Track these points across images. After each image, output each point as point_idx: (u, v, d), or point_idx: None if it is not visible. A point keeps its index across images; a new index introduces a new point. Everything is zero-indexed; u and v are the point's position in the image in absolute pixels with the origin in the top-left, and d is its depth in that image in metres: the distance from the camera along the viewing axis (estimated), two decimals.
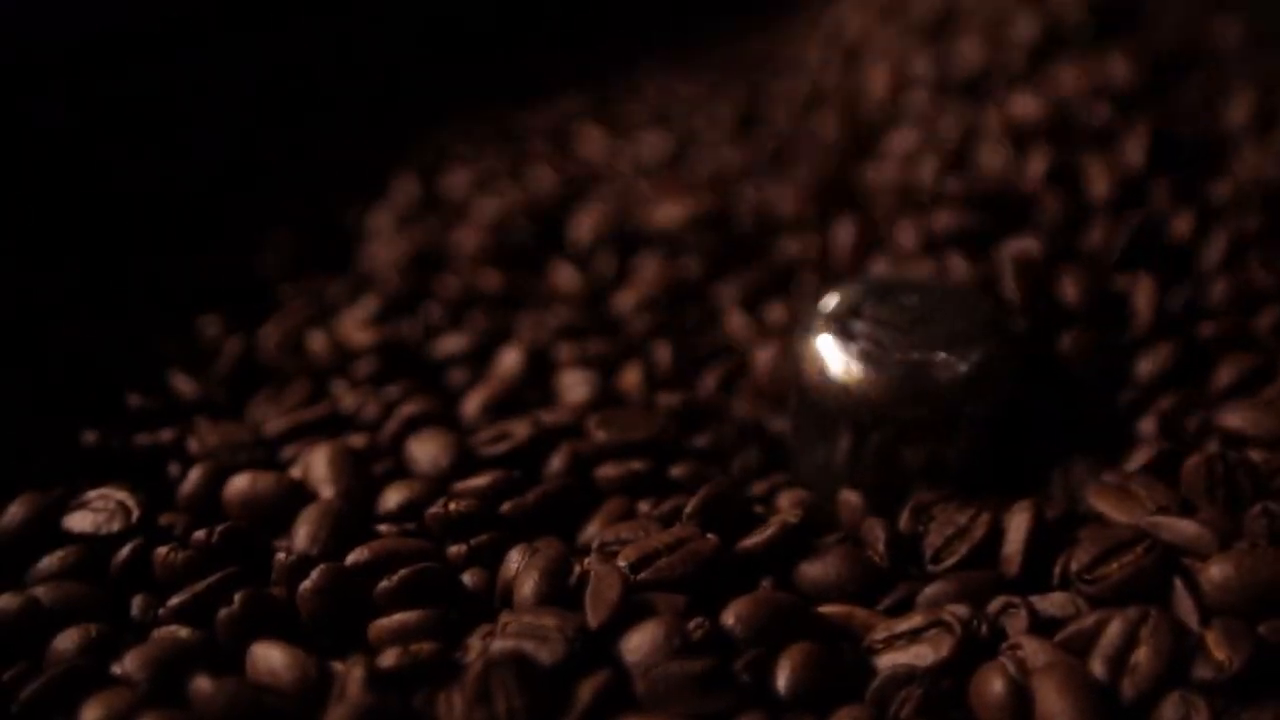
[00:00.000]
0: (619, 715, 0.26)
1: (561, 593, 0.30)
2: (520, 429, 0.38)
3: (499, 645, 0.27)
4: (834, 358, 0.37)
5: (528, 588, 0.30)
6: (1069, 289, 0.41)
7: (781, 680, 0.27)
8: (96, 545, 0.34)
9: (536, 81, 0.72)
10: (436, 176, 0.58)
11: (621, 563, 0.30)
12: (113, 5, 0.64)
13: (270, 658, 0.29)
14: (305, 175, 0.59)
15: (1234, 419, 0.36)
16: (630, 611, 0.28)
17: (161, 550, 0.33)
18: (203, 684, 0.27)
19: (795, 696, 0.27)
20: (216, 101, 0.67)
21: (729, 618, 0.28)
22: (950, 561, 0.32)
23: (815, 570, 0.32)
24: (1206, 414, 0.37)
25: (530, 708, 0.26)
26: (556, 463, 0.37)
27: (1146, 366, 0.40)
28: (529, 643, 0.27)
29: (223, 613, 0.31)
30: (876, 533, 0.33)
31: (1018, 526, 0.33)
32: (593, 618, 0.28)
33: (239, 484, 0.36)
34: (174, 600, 0.32)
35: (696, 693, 0.26)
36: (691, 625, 0.27)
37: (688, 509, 0.33)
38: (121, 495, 0.35)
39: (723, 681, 0.26)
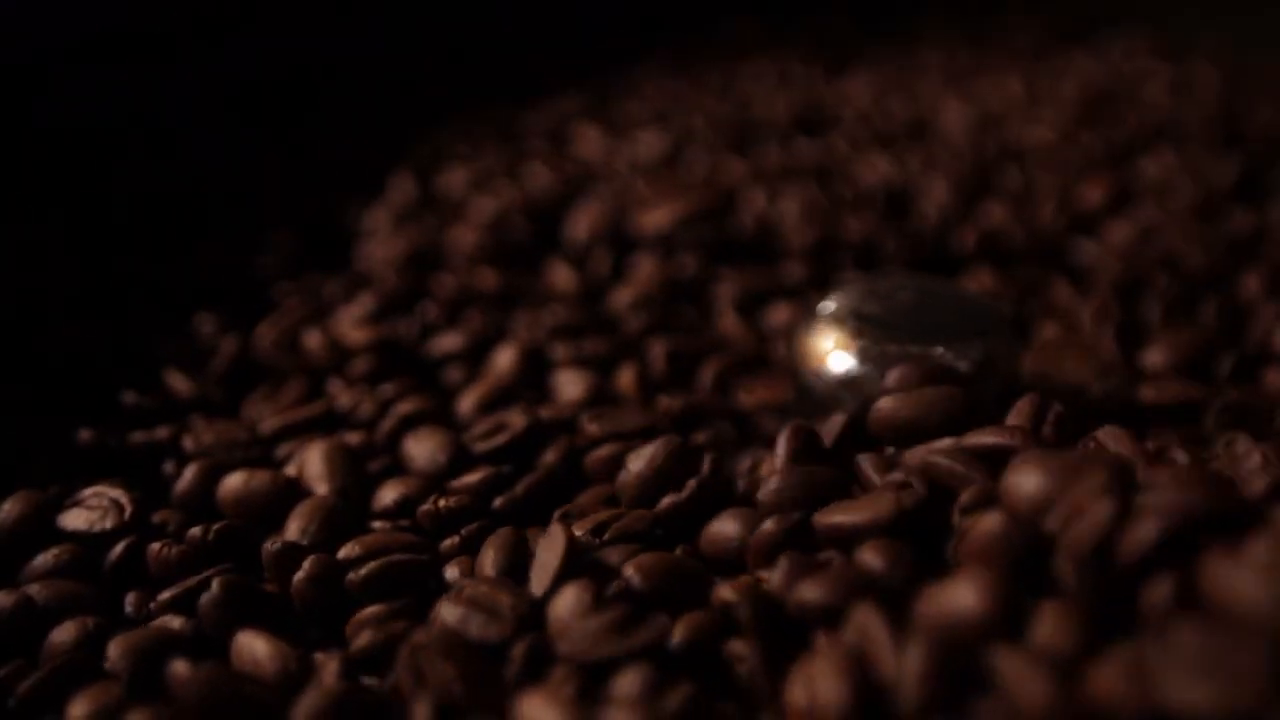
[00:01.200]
0: (550, 667, 0.27)
1: (520, 566, 0.31)
2: (516, 420, 0.38)
3: (446, 612, 0.28)
4: (834, 354, 0.37)
5: (488, 561, 0.31)
6: None
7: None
8: (90, 543, 0.34)
9: (536, 81, 0.73)
10: (433, 175, 0.58)
11: (578, 532, 0.32)
12: (113, 5, 0.64)
13: (254, 647, 0.29)
14: (305, 175, 0.59)
15: None
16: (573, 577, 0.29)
17: (155, 545, 0.33)
18: (180, 668, 0.28)
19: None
20: (216, 101, 0.67)
21: (629, 569, 0.30)
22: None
23: (712, 528, 0.33)
24: None
25: (467, 679, 0.27)
26: (551, 455, 0.37)
27: None
28: (480, 616, 0.28)
29: (204, 598, 0.31)
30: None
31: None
32: (536, 587, 0.29)
33: (233, 482, 0.36)
34: (165, 594, 0.32)
35: (614, 637, 0.27)
36: (612, 585, 0.29)
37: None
38: (116, 493, 0.35)
39: (636, 624, 0.27)
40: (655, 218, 0.51)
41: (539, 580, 0.29)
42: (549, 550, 0.30)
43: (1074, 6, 0.85)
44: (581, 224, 0.51)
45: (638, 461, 0.35)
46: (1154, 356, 0.43)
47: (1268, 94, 0.68)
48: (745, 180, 0.56)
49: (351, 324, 0.45)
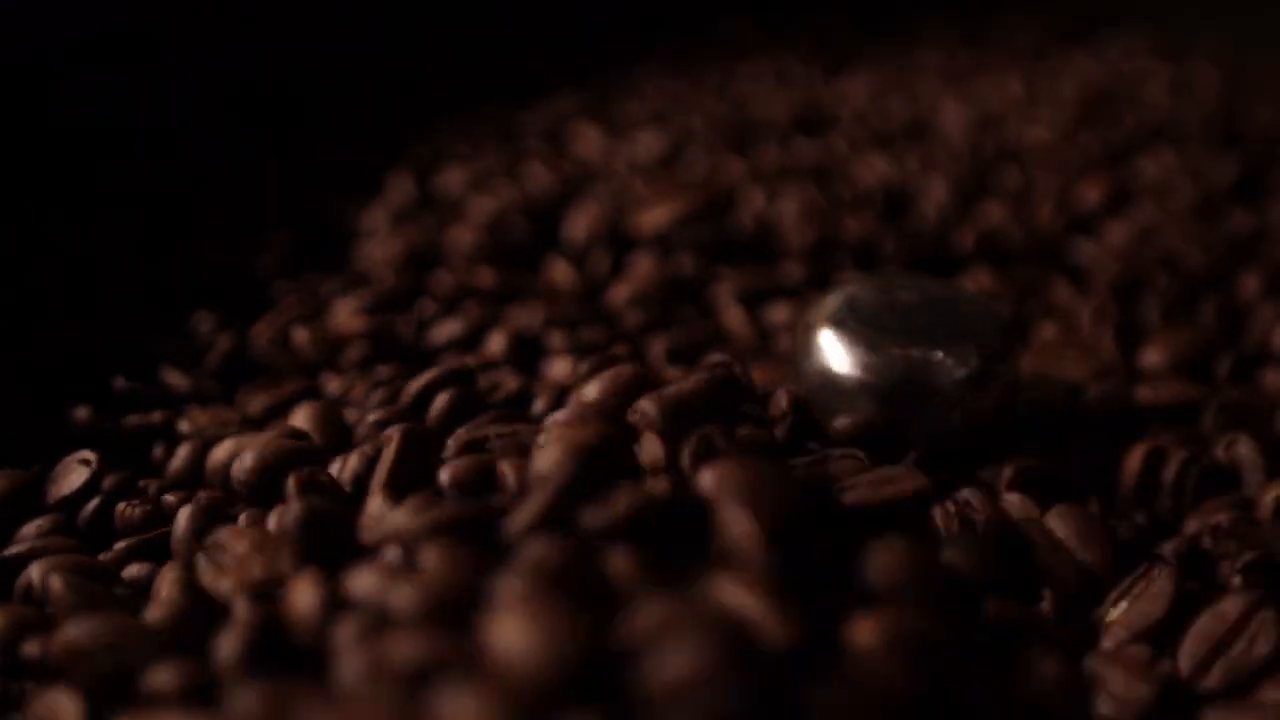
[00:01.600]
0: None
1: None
2: (511, 381, 0.39)
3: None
4: (835, 353, 0.37)
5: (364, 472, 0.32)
6: None
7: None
8: (69, 508, 0.35)
9: (535, 81, 0.72)
10: (432, 175, 0.58)
11: (452, 444, 0.33)
12: (113, 5, 0.64)
13: (168, 582, 0.30)
14: (304, 175, 0.59)
15: None
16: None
17: (121, 505, 0.34)
18: (55, 583, 0.29)
19: None
20: (216, 101, 0.67)
21: (443, 473, 0.30)
22: None
23: None
24: None
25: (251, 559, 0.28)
26: (539, 405, 0.38)
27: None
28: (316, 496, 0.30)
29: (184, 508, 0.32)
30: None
31: None
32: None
33: (222, 450, 0.36)
34: (120, 544, 0.33)
35: (409, 515, 0.27)
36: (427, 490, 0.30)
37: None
38: (86, 453, 0.36)
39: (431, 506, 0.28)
40: (654, 217, 0.51)
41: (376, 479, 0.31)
42: (386, 451, 0.31)
43: (1074, 6, 0.85)
44: (580, 224, 0.51)
45: (594, 387, 0.34)
46: (1153, 356, 0.43)
47: (1268, 94, 0.68)
48: (744, 180, 0.56)
49: (347, 314, 0.45)
